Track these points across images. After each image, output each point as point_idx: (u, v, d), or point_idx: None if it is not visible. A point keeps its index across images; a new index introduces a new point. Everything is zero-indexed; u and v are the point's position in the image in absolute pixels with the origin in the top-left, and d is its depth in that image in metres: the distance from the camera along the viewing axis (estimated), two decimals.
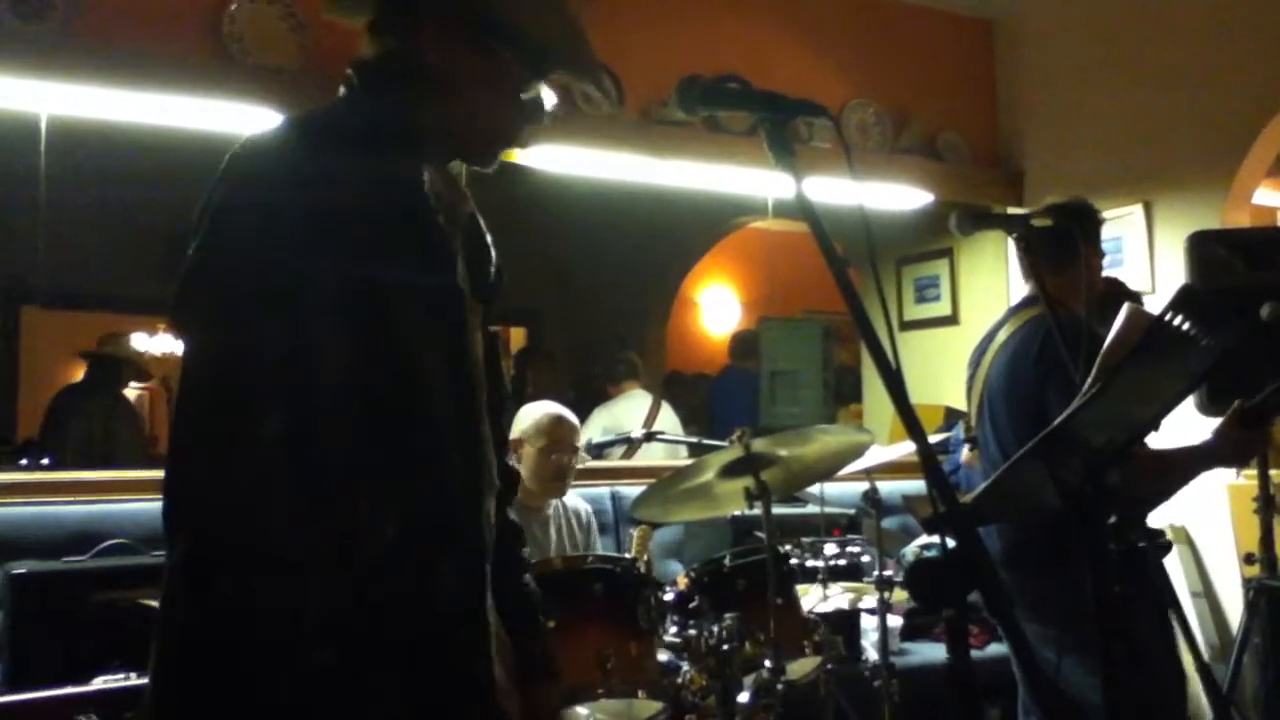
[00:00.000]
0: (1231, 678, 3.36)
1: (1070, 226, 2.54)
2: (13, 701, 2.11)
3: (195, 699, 1.18)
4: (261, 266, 1.20)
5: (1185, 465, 2.46)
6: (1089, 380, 1.60)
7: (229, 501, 1.18)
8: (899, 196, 4.72)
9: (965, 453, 3.07)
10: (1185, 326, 1.49)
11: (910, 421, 1.22)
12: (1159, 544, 2.60)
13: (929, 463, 1.23)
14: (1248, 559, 3.42)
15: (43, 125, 3.34)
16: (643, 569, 2.31)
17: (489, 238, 1.53)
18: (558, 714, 1.61)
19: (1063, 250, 2.54)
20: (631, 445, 4.61)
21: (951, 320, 5.20)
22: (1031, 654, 1.34)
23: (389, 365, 1.26)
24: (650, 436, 3.93)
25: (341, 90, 1.40)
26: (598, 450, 4.20)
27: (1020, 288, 2.98)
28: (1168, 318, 1.46)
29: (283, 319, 1.19)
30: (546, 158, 3.89)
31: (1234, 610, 3.90)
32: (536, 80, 1.41)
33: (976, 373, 2.76)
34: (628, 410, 5.33)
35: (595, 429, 4.92)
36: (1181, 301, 1.46)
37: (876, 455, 3.09)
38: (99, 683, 2.20)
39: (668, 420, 5.37)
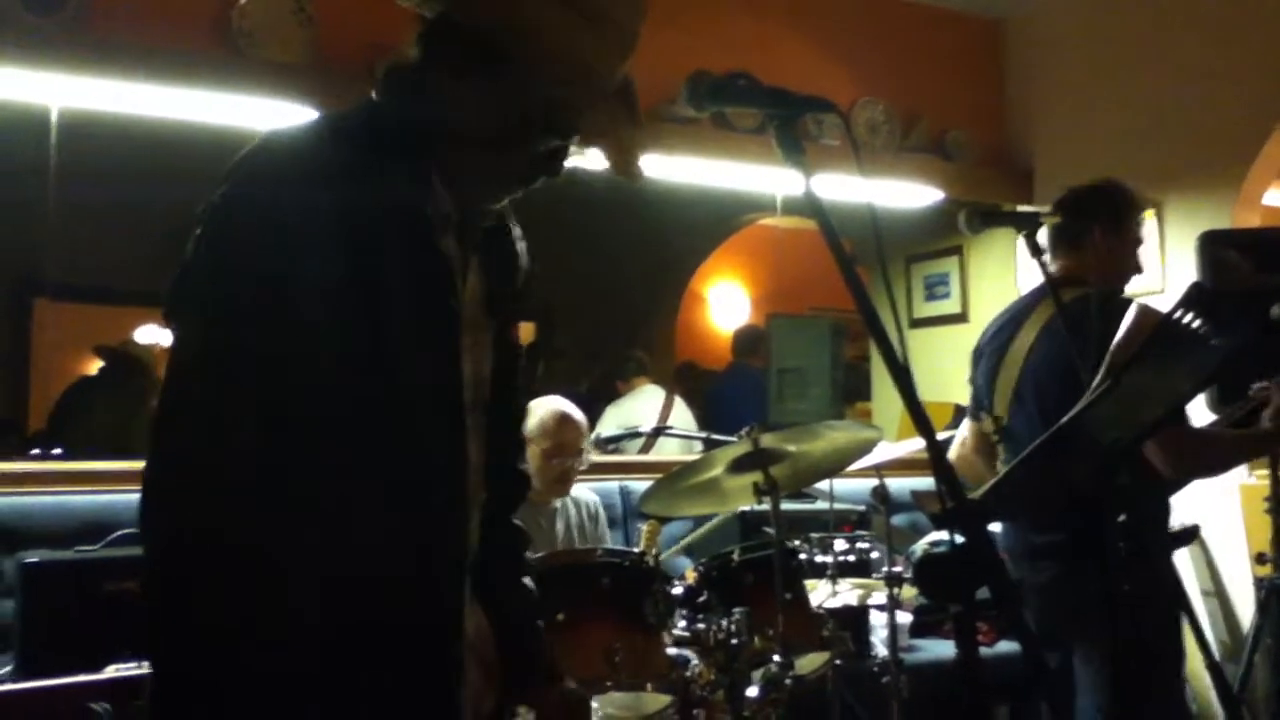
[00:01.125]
0: (1243, 677, 3.36)
1: (1075, 220, 2.54)
2: (25, 689, 2.12)
3: (184, 696, 1.19)
4: (255, 271, 1.19)
5: (1240, 447, 2.49)
6: (1098, 378, 1.60)
7: (203, 504, 1.18)
8: (908, 194, 4.72)
9: (953, 452, 2.95)
10: (1194, 325, 1.49)
11: (919, 418, 1.23)
12: (1181, 533, 2.60)
13: (938, 459, 1.23)
14: (1259, 559, 3.42)
15: (53, 118, 3.36)
16: (651, 563, 2.31)
17: (520, 245, 1.50)
18: (582, 701, 1.62)
19: (1075, 234, 2.54)
20: (643, 440, 4.61)
21: (961, 318, 5.20)
22: (1039, 649, 1.34)
23: (373, 379, 1.24)
24: (660, 431, 3.93)
25: (374, 92, 1.36)
26: (608, 444, 4.19)
27: (1028, 282, 2.97)
28: (1176, 315, 1.46)
29: (269, 324, 1.19)
30: None
31: (1245, 610, 3.90)
32: (545, 129, 1.32)
33: (1004, 359, 2.65)
34: (640, 406, 5.33)
35: (609, 426, 4.91)
36: (1191, 299, 1.46)
37: (885, 452, 3.09)
38: (110, 671, 2.21)
39: (681, 415, 5.37)
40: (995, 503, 1.50)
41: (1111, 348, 1.53)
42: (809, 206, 1.30)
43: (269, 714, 1.19)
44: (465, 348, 1.35)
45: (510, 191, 1.39)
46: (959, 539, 1.21)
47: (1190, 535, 2.65)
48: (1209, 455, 2.48)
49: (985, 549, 1.23)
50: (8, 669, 2.47)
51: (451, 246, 1.33)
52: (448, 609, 1.34)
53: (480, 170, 1.35)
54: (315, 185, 1.21)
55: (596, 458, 3.77)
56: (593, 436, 3.17)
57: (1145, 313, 1.50)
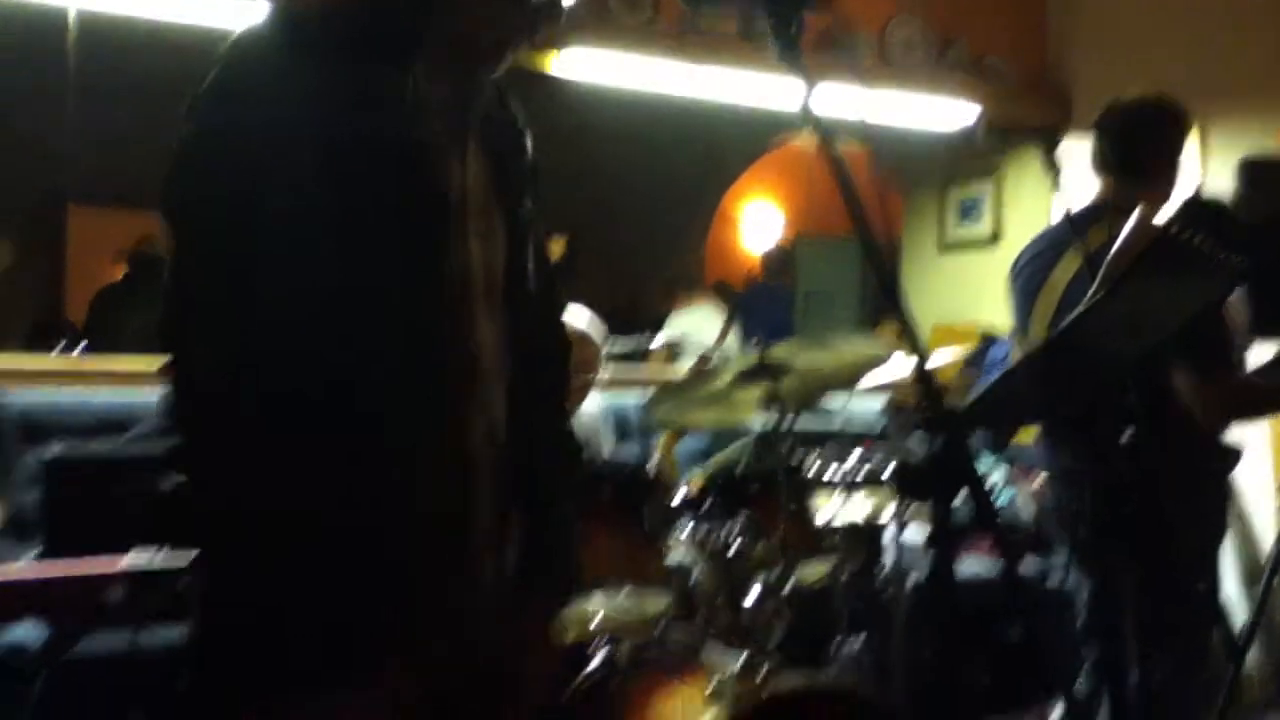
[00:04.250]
0: (1259, 607, 3.34)
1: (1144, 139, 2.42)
2: (43, 577, 2.19)
3: (224, 573, 1.25)
4: (233, 172, 1.23)
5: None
6: (1093, 288, 1.57)
7: (197, 400, 1.25)
8: (945, 115, 4.62)
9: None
10: (1197, 241, 1.45)
11: (908, 332, 1.23)
12: (1226, 451, 2.50)
13: (921, 368, 1.24)
14: None
15: (70, 19, 3.34)
16: (651, 472, 2.32)
17: (525, 132, 1.51)
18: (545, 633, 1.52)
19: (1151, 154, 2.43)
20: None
21: (993, 241, 5.12)
22: (1015, 562, 1.35)
23: (349, 269, 1.26)
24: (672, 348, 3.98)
25: None
26: (614, 359, 4.25)
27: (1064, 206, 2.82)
28: (1175, 230, 1.43)
29: (247, 225, 1.22)
30: (579, 65, 3.84)
31: (1266, 539, 3.87)
32: None
33: (1044, 285, 2.50)
34: (701, 321, 5.48)
35: (676, 331, 5.06)
36: (1191, 214, 1.43)
37: (900, 370, 3.07)
38: (128, 560, 2.28)
39: (733, 337, 5.64)
40: (983, 412, 1.50)
41: (1109, 256, 1.49)
42: (804, 114, 1.29)
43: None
44: (472, 233, 1.36)
45: (504, 45, 1.38)
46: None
47: (1235, 456, 2.56)
48: (1250, 407, 2.39)
49: (963, 454, 1.23)
50: (32, 555, 2.55)
51: (440, 128, 1.34)
52: (436, 509, 1.33)
53: (472, 23, 1.35)
54: (294, 90, 1.24)
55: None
56: (604, 351, 3.18)
57: (1145, 219, 1.45)
